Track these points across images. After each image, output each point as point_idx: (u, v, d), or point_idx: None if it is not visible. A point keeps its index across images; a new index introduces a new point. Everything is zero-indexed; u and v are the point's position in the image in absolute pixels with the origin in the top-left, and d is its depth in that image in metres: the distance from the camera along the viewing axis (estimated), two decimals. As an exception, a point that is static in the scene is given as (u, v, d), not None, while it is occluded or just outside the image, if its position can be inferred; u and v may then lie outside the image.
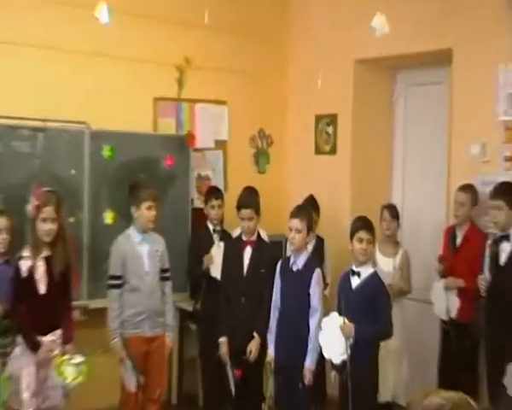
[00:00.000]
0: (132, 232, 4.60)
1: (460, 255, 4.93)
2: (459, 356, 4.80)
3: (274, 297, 4.42)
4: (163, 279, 4.68)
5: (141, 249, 4.58)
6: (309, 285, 4.25)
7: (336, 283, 4.51)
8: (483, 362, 4.75)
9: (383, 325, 4.03)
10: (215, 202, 5.42)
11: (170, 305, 4.72)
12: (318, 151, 6.35)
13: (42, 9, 5.10)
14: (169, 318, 4.68)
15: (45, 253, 4.10)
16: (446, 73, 5.35)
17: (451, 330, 4.88)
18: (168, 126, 5.90)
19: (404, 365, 4.97)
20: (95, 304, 5.13)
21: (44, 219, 4.03)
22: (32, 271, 4.05)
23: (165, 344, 4.67)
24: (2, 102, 4.91)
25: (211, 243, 5.39)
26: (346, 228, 4.40)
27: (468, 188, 4.90)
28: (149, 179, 5.13)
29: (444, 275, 4.94)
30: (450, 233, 5.04)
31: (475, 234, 4.89)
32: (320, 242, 5.55)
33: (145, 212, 4.52)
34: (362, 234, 4.11)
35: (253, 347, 4.50)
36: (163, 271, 4.68)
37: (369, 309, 4.03)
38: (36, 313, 4.06)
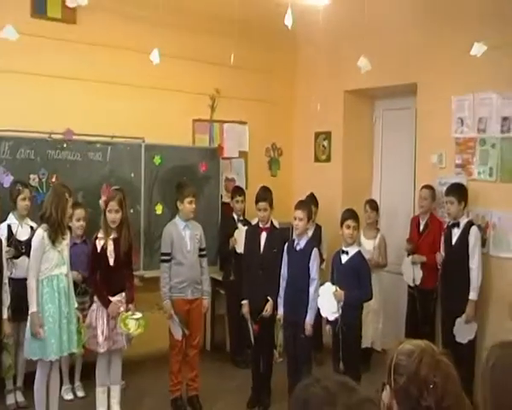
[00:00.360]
0: (178, 221, 4.50)
1: (423, 238, 4.94)
2: (421, 314, 4.86)
3: (282, 270, 4.33)
4: (201, 256, 4.56)
5: (184, 233, 4.47)
6: (309, 261, 4.20)
7: (330, 259, 4.48)
8: (439, 318, 4.80)
9: (365, 290, 4.03)
10: (239, 198, 5.42)
11: (206, 275, 4.60)
12: (317, 159, 6.36)
13: (113, 52, 5.16)
14: (205, 285, 4.56)
15: (113, 235, 4.14)
16: (413, 100, 5.35)
17: (416, 294, 4.93)
18: (203, 141, 5.90)
19: (380, 320, 5.07)
20: (149, 274, 5.11)
21: (110, 211, 4.07)
22: (104, 248, 4.10)
23: (203, 305, 4.56)
24: (82, 124, 4.94)
25: (235, 228, 5.39)
26: (338, 218, 4.36)
27: (429, 187, 4.95)
28: (189, 181, 5.01)
29: (411, 253, 4.95)
30: (416, 221, 5.05)
31: (434, 222, 4.93)
32: (318, 228, 5.49)
33: (187, 205, 4.43)
34: (349, 222, 4.10)
35: (268, 307, 4.41)
36: (201, 250, 4.57)
37: (355, 279, 4.02)
38: (107, 279, 4.12)
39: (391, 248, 5.27)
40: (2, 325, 3.78)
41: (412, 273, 4.91)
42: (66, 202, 3.84)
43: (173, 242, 4.43)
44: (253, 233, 4.64)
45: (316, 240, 4.93)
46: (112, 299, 4.12)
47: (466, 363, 3.83)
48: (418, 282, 4.90)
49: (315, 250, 4.25)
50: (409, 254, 4.96)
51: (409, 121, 5.53)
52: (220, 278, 5.49)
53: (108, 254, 4.10)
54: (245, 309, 4.52)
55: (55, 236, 3.78)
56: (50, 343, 3.76)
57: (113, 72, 5.17)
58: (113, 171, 5.06)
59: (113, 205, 4.08)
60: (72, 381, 4.73)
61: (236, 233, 5.26)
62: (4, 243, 3.96)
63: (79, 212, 4.52)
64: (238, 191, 5.48)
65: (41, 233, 3.77)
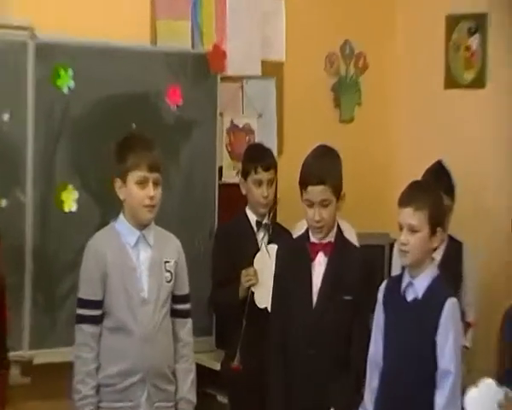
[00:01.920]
0: (120, 227, 4.01)
1: None
2: None
3: (372, 348, 3.86)
4: (177, 315, 4.10)
5: (135, 258, 4.00)
6: (435, 328, 3.64)
7: (492, 321, 4.53)
8: None
9: None
10: (262, 175, 4.81)
11: (188, 362, 4.14)
12: (452, 83, 5.70)
13: None
14: (185, 386, 4.08)
15: None
16: None
17: None
18: (175, 33, 5.34)
19: None
20: (44, 357, 4.67)
21: None
22: None
23: None
24: None
25: (253, 246, 4.76)
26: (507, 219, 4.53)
27: None
28: (143, 131, 4.41)
29: None
30: None
31: None
32: (455, 246, 5.01)
33: (135, 190, 3.88)
34: None
35: None
36: (177, 298, 4.09)
37: None
38: None
39: None
40: None
41: None
42: None
43: (108, 276, 3.98)
44: (297, 258, 4.20)
45: (451, 278, 4.23)
46: None
47: None
48: None
49: (450, 303, 3.70)
50: None
51: None
52: (218, 368, 4.96)
53: None
54: None
55: None
56: None
57: None
58: None
59: None
60: None
61: (258, 259, 4.71)
62: None
63: None
64: (261, 159, 4.88)
65: None
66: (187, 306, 4.16)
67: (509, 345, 4.37)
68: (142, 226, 4.00)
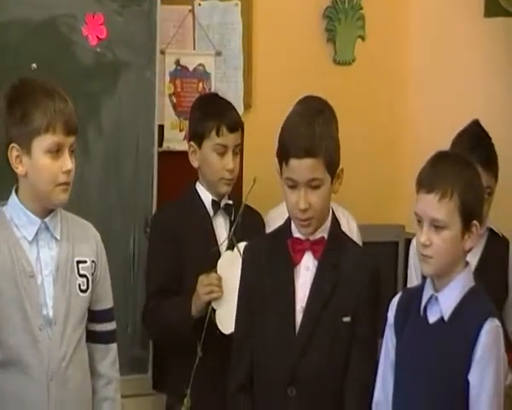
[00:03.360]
0: (13, 214, 3.84)
1: None
2: None
3: (379, 388, 3.82)
4: (95, 340, 3.97)
5: (34, 259, 3.82)
6: (468, 363, 3.51)
7: None
8: None
9: None
10: (227, 138, 4.77)
11: (112, 406, 4.03)
12: (494, 8, 5.65)
13: None
14: None
15: None
16: None
17: None
18: None
19: None
20: None
21: None
22: None
23: None
24: None
25: (208, 238, 4.75)
26: None
27: None
28: (52, 77, 4.16)
29: None
30: None
31: None
32: (498, 245, 4.91)
33: (45, 162, 3.73)
34: None
35: None
36: (96, 315, 3.98)
37: None
38: None
39: None
40: None
41: None
42: None
43: None
44: (275, 261, 4.11)
45: (491, 289, 3.96)
46: None
47: None
48: None
49: (490, 327, 3.56)
50: None
51: None
52: None
53: None
54: None
55: None
56: None
57: None
58: None
59: None
60: None
61: (223, 262, 4.71)
62: None
63: None
64: (222, 115, 4.81)
65: None
66: (110, 326, 4.03)
67: None
68: (44, 213, 3.82)
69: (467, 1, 5.84)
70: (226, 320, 4.44)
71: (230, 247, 4.61)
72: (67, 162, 3.72)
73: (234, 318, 4.25)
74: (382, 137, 5.76)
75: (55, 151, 3.71)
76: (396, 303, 3.77)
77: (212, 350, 4.41)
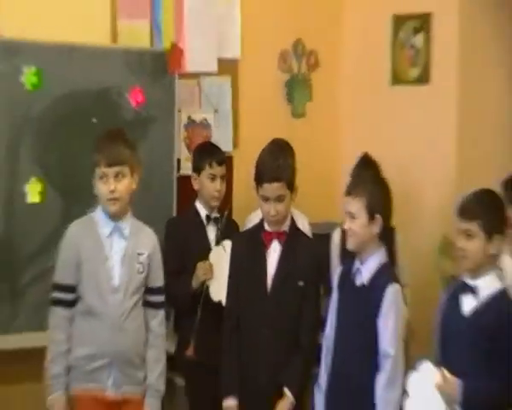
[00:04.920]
0: (99, 218, 4.11)
1: None
2: None
3: (328, 329, 4.04)
4: (149, 305, 4.17)
5: (109, 248, 4.10)
6: (377, 312, 3.81)
7: (430, 303, 4.38)
8: None
9: (509, 381, 3.51)
10: (215, 169, 4.93)
11: (158, 352, 4.20)
12: (398, 79, 5.86)
13: None
14: (154, 374, 4.14)
15: None
16: None
17: None
18: (136, 34, 5.39)
19: None
20: (5, 343, 4.69)
21: None
22: None
23: None
24: None
25: (202, 239, 4.93)
26: (447, 211, 4.48)
27: None
28: (102, 128, 4.56)
29: None
30: None
31: None
32: (391, 235, 4.98)
33: (99, 185, 4.02)
34: (460, 223, 3.77)
35: (282, 407, 4.08)
36: (150, 291, 4.16)
37: (490, 352, 3.53)
38: None
39: None
40: None
41: None
42: None
43: (82, 263, 4.06)
44: (251, 247, 4.35)
45: (390, 264, 4.32)
46: None
47: None
48: None
49: (393, 290, 3.87)
50: None
51: None
52: (172, 352, 4.89)
53: None
54: None
55: None
56: None
57: None
58: None
59: None
60: None
61: (214, 254, 4.81)
62: None
63: None
64: (212, 155, 5.01)
65: None
66: (159, 298, 4.23)
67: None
68: (115, 218, 4.07)
69: (384, 71, 5.90)
70: (215, 292, 4.70)
71: (217, 244, 4.88)
72: (110, 186, 3.96)
73: (221, 290, 4.58)
74: (323, 164, 5.85)
75: (102, 178, 3.99)
76: (339, 273, 4.08)
77: (207, 313, 4.68)
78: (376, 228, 3.89)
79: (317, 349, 4.21)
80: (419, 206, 5.56)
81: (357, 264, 3.96)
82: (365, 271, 3.90)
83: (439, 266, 5.09)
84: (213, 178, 4.90)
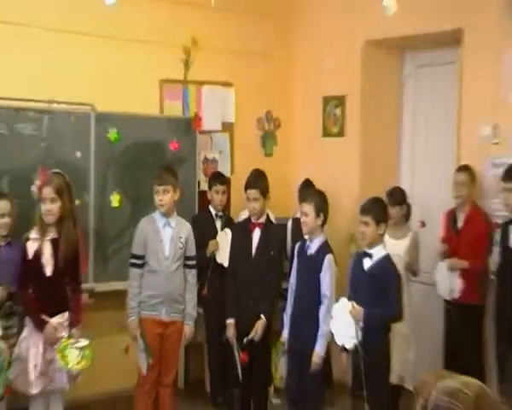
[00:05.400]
0: (157, 215, 4.60)
1: (462, 237, 4.94)
2: (465, 339, 4.84)
3: (292, 280, 4.45)
4: (186, 267, 4.66)
5: (163, 233, 4.57)
6: (319, 271, 4.27)
7: (345, 265, 4.56)
8: (491, 346, 4.79)
9: (393, 307, 4.01)
10: (219, 187, 5.47)
11: (192, 294, 4.67)
12: (326, 133, 6.38)
13: None
14: (189, 306, 4.63)
15: (51, 235, 4.12)
16: (456, 53, 5.32)
17: (455, 312, 4.93)
18: (174, 109, 5.91)
19: (410, 349, 4.89)
20: (102, 287, 5.18)
21: (44, 200, 4.07)
22: (38, 253, 4.08)
23: (183, 332, 4.63)
24: (7, 84, 4.92)
25: (212, 228, 5.44)
26: (355, 211, 4.41)
27: (466, 168, 4.94)
28: (155, 163, 5.16)
29: (446, 256, 4.96)
30: (451, 216, 5.07)
31: (477, 215, 4.93)
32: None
33: (155, 197, 4.55)
34: (360, 217, 4.14)
35: (258, 327, 4.52)
36: (187, 258, 4.66)
37: (379, 292, 4.00)
38: (42, 295, 4.11)
39: (425, 251, 5.18)
40: None
41: (449, 283, 4.90)
42: None
43: (147, 242, 4.53)
44: (243, 230, 4.80)
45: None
46: (49, 320, 4.08)
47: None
48: (457, 295, 4.86)
49: (328, 258, 4.29)
50: (443, 258, 4.98)
51: (450, 81, 5.51)
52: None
53: (44, 260, 4.08)
54: (230, 332, 4.61)
55: None
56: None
57: (52, 14, 5.14)
58: (52, 149, 5.05)
59: (49, 192, 4.07)
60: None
61: (220, 236, 5.34)
62: None
63: (1, 205, 4.42)
64: (219, 179, 5.56)
65: None
66: (192, 262, 4.70)
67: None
68: (167, 216, 4.56)
69: (318, 128, 6.35)
70: (220, 258, 5.21)
71: (221, 230, 5.38)
72: (159, 197, 4.51)
73: (223, 257, 5.11)
74: (282, 184, 6.02)
75: (156, 192, 4.53)
76: (297, 247, 4.47)
77: (216, 269, 5.22)
78: (320, 221, 4.33)
79: (285, 291, 4.57)
80: (338, 210, 5.44)
81: (307, 242, 4.39)
82: (313, 246, 4.35)
83: (349, 247, 5.28)
84: (218, 192, 5.46)
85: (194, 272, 4.71)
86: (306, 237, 4.37)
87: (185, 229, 4.66)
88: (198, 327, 5.38)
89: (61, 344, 4.03)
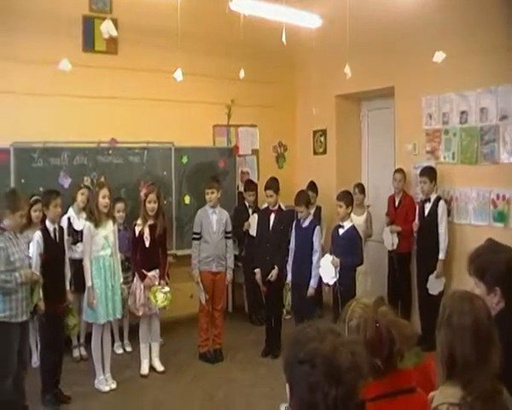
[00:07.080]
0: (207, 207, 4.63)
1: (398, 211, 5.13)
2: (400, 273, 5.04)
3: (291, 243, 4.52)
4: (226, 238, 4.64)
5: (211, 217, 4.58)
6: (312, 236, 4.39)
7: (330, 232, 4.64)
8: (415, 276, 4.98)
9: (358, 257, 4.15)
10: (250, 192, 5.58)
11: (230, 254, 4.68)
12: (315, 153, 6.43)
13: (146, 75, 5.37)
14: (229, 262, 4.65)
15: (150, 222, 4.29)
16: (391, 101, 5.51)
17: (394, 257, 5.11)
18: (222, 142, 6.08)
19: (368, 280, 5.05)
20: (180, 252, 5.37)
21: (150, 201, 4.23)
22: (141, 233, 4.28)
23: (226, 278, 4.65)
24: (124, 134, 5.16)
25: (246, 214, 5.53)
26: (334, 199, 4.51)
27: (400, 171, 5.16)
28: (210, 175, 5.04)
29: (389, 224, 5.16)
30: (392, 199, 5.24)
31: (406, 198, 5.14)
32: (318, 209, 5.66)
33: (206, 196, 4.60)
34: (338, 202, 4.28)
35: (273, 272, 4.62)
36: (226, 232, 4.63)
37: (349, 248, 4.13)
38: (144, 258, 4.29)
39: (376, 222, 5.38)
40: (66, 294, 3.92)
41: (391, 240, 5.09)
42: (97, 195, 3.94)
43: (202, 224, 4.58)
44: (264, 214, 4.86)
45: (317, 219, 5.09)
46: (147, 274, 4.26)
47: (438, 310, 3.87)
48: (395, 247, 5.08)
49: (317, 228, 4.43)
50: (388, 225, 5.16)
51: (389, 118, 5.65)
52: (237, 253, 5.52)
53: (145, 237, 4.26)
54: (257, 276, 4.71)
55: (94, 224, 3.93)
56: (99, 310, 3.97)
57: (147, 90, 5.42)
58: (149, 170, 5.33)
59: (152, 197, 4.24)
60: (121, 339, 4.96)
61: (251, 219, 5.40)
62: (65, 231, 4.12)
63: (119, 205, 4.65)
64: (250, 186, 5.63)
65: (87, 224, 4.02)
66: (230, 235, 4.67)
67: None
68: (214, 207, 4.54)
69: (310, 149, 6.29)
70: (252, 231, 5.14)
71: (252, 215, 5.35)
72: (208, 196, 4.43)
73: (253, 230, 5.06)
74: (289, 188, 5.58)
75: (206, 193, 4.49)
76: (295, 222, 4.46)
77: (249, 239, 5.23)
78: (310, 209, 4.60)
79: (287, 251, 4.57)
80: (325, 197, 5.59)
81: (302, 220, 4.45)
82: (306, 222, 4.43)
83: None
84: (250, 195, 5.50)
85: (231, 241, 4.68)
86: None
87: (225, 215, 4.65)
88: (239, 273, 5.61)
89: (153, 288, 4.16)
